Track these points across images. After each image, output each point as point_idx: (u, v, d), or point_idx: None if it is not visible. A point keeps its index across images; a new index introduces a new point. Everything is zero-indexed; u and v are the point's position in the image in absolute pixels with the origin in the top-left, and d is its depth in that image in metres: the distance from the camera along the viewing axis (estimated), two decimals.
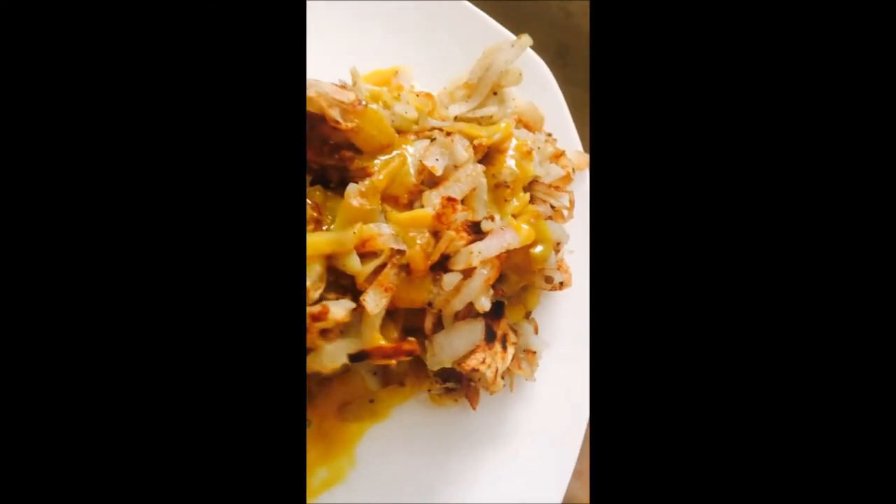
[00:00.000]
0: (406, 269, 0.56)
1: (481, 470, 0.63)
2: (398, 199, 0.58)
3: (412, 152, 0.60)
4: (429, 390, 0.62)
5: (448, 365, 0.57)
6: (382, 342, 0.56)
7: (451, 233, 0.55)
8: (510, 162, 0.65)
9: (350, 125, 0.55)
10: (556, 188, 0.69)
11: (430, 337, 0.57)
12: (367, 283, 0.56)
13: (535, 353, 0.65)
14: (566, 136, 0.75)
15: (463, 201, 0.58)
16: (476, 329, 0.58)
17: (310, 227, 0.56)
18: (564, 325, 0.69)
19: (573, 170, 0.73)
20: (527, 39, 0.72)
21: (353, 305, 0.55)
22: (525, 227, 0.59)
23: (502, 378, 0.60)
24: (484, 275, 0.56)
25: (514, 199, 0.63)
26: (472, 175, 0.59)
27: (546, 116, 0.74)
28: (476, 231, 0.58)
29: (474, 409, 0.62)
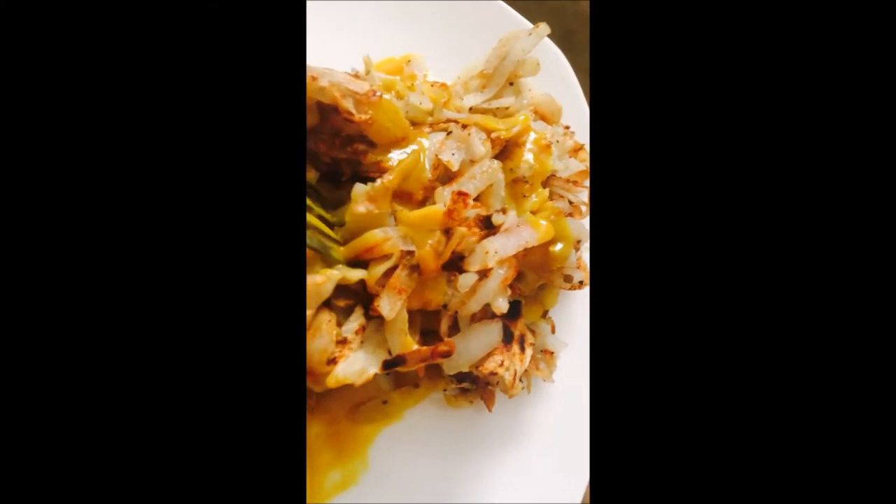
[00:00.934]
0: (417, 269, 0.54)
1: (497, 472, 0.61)
2: (412, 195, 0.56)
3: (427, 146, 0.58)
4: (444, 391, 0.60)
5: (465, 369, 0.55)
6: (415, 346, 0.53)
7: (463, 229, 0.52)
8: (528, 156, 0.62)
9: (364, 117, 0.53)
10: (575, 183, 0.67)
11: (446, 340, 0.55)
12: (379, 286, 0.54)
13: (552, 353, 0.63)
14: (585, 129, 0.73)
15: (479, 198, 0.56)
16: (493, 331, 0.55)
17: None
18: (581, 323, 0.67)
19: None
20: (545, 28, 0.70)
21: (363, 321, 0.53)
22: (544, 223, 0.57)
23: (520, 380, 0.58)
24: (501, 275, 0.54)
25: (533, 195, 0.61)
26: (488, 171, 0.56)
27: (563, 108, 0.72)
28: (488, 226, 0.55)
29: (490, 410, 0.60)
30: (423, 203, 0.56)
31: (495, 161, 0.58)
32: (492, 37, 0.71)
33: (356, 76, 0.57)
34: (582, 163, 0.68)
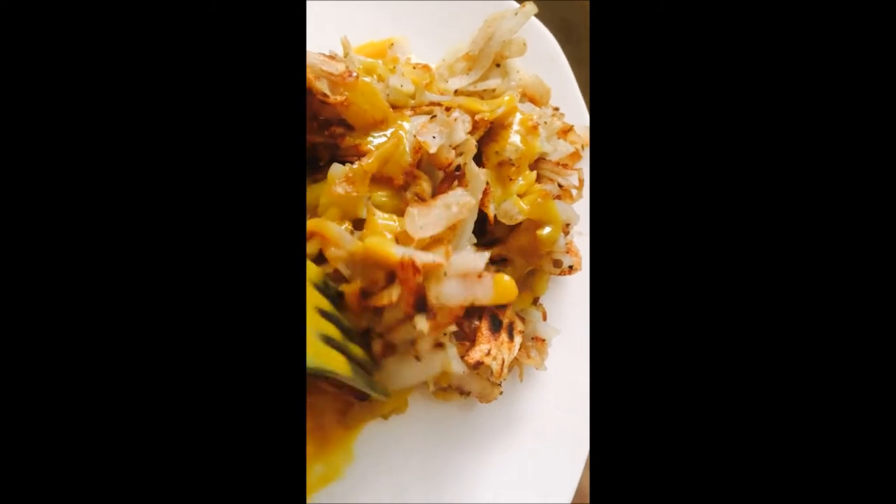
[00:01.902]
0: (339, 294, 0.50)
1: (488, 463, 0.59)
2: (392, 180, 0.54)
3: (408, 129, 0.56)
4: (432, 388, 0.59)
5: (392, 389, 0.52)
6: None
7: (401, 291, 0.47)
8: (515, 138, 0.60)
9: (340, 98, 0.51)
10: (565, 166, 0.65)
11: (378, 362, 0.51)
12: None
13: (544, 340, 0.61)
14: (575, 110, 0.71)
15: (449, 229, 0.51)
16: (421, 365, 0.51)
17: None
18: (575, 310, 0.65)
19: (582, 146, 0.69)
20: (531, 7, 0.67)
21: None
22: (507, 278, 0.52)
23: (509, 369, 0.56)
24: (440, 322, 0.49)
25: (520, 178, 0.59)
26: (459, 206, 0.51)
27: (553, 90, 0.70)
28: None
29: (482, 401, 0.58)
30: (403, 188, 0.55)
31: (467, 195, 0.53)
32: (479, 19, 0.69)
33: (332, 57, 0.55)
34: (572, 145, 0.66)
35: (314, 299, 0.49)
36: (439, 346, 0.50)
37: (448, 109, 0.59)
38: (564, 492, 0.58)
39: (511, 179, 0.58)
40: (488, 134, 0.61)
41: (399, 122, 0.56)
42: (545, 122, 0.63)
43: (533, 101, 0.68)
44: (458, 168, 0.57)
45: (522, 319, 0.60)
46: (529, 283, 0.62)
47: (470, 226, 0.56)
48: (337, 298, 0.51)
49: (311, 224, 0.49)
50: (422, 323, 0.47)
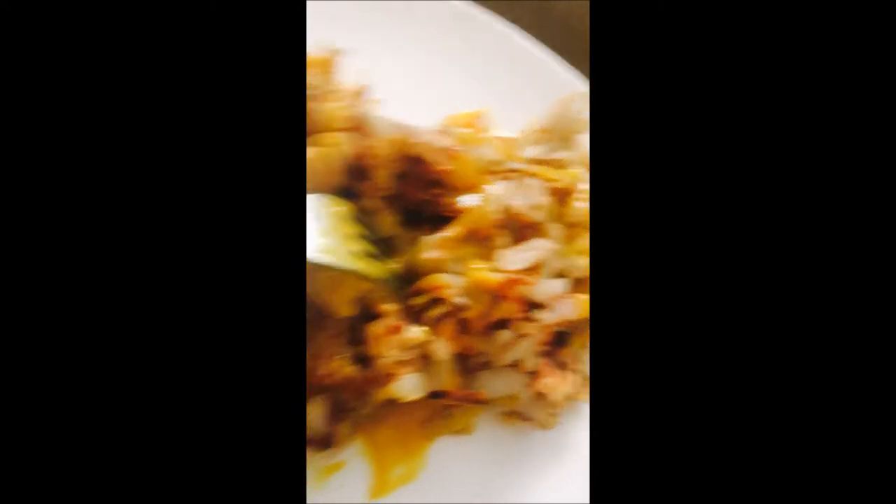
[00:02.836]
0: (465, 323, 0.63)
1: (537, 485, 0.69)
2: (479, 233, 0.66)
3: (495, 192, 0.68)
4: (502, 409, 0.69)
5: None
6: (456, 387, 0.64)
7: (510, 304, 0.61)
8: (582, 206, 0.72)
9: (447, 167, 0.63)
10: None
11: (478, 392, 0.65)
12: (434, 327, 0.63)
13: None
14: None
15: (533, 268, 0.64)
16: (517, 378, 0.64)
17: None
18: None
19: None
20: None
21: (423, 336, 0.62)
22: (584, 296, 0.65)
23: (564, 403, 0.67)
24: (536, 340, 0.63)
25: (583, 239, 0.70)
26: (543, 249, 0.65)
27: None
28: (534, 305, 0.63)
29: (541, 428, 0.68)
30: (489, 241, 0.66)
31: (547, 241, 0.66)
32: (551, 96, 0.81)
33: (441, 132, 0.68)
34: None
35: None
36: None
37: (527, 176, 0.71)
38: None
39: (576, 239, 0.70)
40: (559, 198, 0.73)
41: (487, 185, 0.68)
42: None
43: None
44: (535, 225, 0.69)
45: (580, 360, 0.70)
46: (586, 329, 0.73)
47: (549, 272, 0.67)
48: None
49: (427, 281, 0.63)
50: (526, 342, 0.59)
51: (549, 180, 0.71)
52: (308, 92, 0.65)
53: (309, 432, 0.61)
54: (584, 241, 0.69)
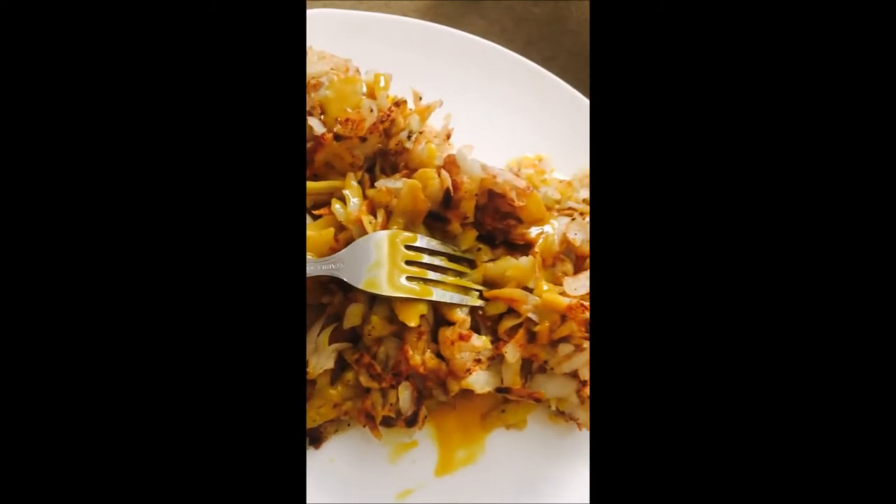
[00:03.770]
0: (534, 335, 0.76)
1: (576, 474, 0.81)
2: (545, 260, 0.79)
3: (557, 227, 0.81)
4: (550, 408, 0.82)
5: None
6: (520, 386, 0.77)
7: (573, 324, 0.74)
8: None
9: (521, 204, 0.77)
10: None
11: (538, 391, 0.77)
12: (506, 334, 0.76)
13: None
14: None
15: None
16: (568, 383, 0.77)
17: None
18: None
19: None
20: None
21: (491, 348, 0.75)
22: None
23: None
24: (588, 354, 0.75)
25: None
26: None
27: None
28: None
29: (580, 429, 0.81)
30: (552, 266, 0.80)
31: None
32: None
33: (516, 174, 0.82)
34: None
35: None
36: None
37: (582, 214, 0.84)
38: None
39: None
40: None
41: (551, 220, 0.82)
42: None
43: None
44: (588, 256, 0.82)
45: None
46: None
47: None
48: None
49: (504, 293, 0.76)
50: (580, 359, 0.72)
51: None
52: (410, 135, 0.80)
53: (397, 411, 0.74)
54: None
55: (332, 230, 0.74)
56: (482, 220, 0.79)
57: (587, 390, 0.76)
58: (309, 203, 0.77)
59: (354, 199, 0.75)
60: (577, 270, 0.80)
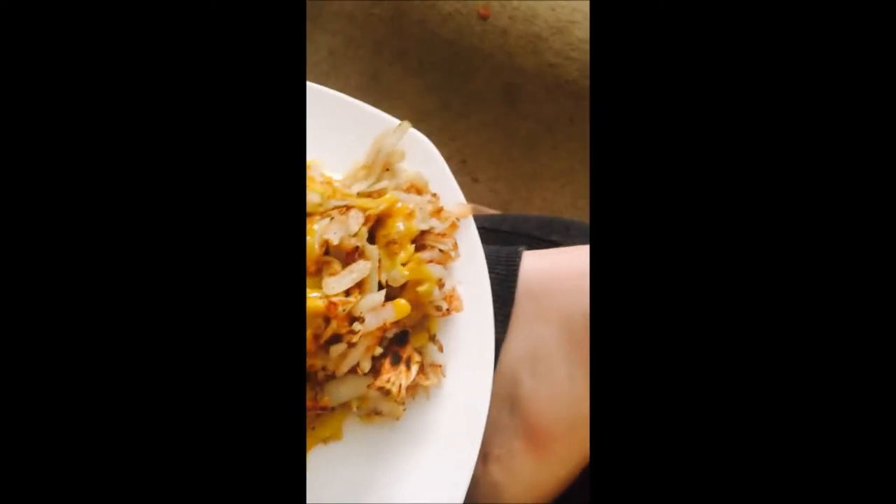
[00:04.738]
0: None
1: (404, 471, 0.79)
2: (307, 269, 0.78)
3: (317, 230, 0.80)
4: (355, 410, 0.80)
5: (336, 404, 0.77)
6: (313, 399, 0.75)
7: (335, 322, 0.73)
8: (399, 224, 0.84)
9: None
10: (443, 235, 0.88)
11: (323, 400, 0.76)
12: None
13: (440, 365, 0.83)
14: (450, 192, 0.95)
15: (358, 286, 0.76)
16: (359, 382, 0.76)
17: None
18: (466, 337, 0.87)
19: (458, 218, 0.93)
20: (406, 124, 0.93)
21: None
22: (403, 301, 0.78)
23: (410, 391, 0.78)
24: (365, 345, 0.74)
25: (402, 252, 0.82)
26: (362, 270, 0.77)
27: (432, 179, 0.94)
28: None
29: (391, 418, 0.79)
30: (317, 273, 0.78)
31: (366, 262, 0.78)
32: (369, 137, 0.94)
33: None
34: (445, 221, 0.89)
35: None
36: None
37: (347, 209, 0.83)
38: (457, 487, 0.77)
39: (395, 253, 0.82)
40: (379, 222, 0.85)
41: (310, 225, 0.80)
42: (421, 208, 0.87)
43: (418, 191, 0.93)
44: (358, 249, 0.80)
45: (420, 353, 0.82)
46: (424, 324, 0.84)
47: (373, 285, 0.79)
48: None
49: None
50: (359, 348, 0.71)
51: (366, 209, 0.84)
52: None
53: None
54: (402, 255, 0.82)
55: None
56: None
57: (380, 380, 0.75)
58: None
59: None
60: (346, 266, 0.79)
